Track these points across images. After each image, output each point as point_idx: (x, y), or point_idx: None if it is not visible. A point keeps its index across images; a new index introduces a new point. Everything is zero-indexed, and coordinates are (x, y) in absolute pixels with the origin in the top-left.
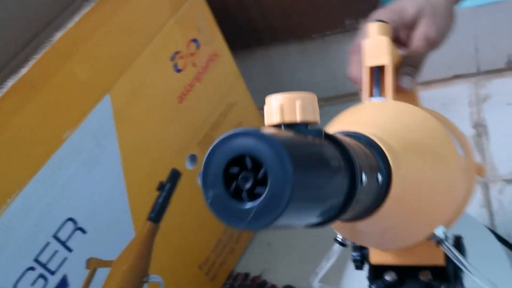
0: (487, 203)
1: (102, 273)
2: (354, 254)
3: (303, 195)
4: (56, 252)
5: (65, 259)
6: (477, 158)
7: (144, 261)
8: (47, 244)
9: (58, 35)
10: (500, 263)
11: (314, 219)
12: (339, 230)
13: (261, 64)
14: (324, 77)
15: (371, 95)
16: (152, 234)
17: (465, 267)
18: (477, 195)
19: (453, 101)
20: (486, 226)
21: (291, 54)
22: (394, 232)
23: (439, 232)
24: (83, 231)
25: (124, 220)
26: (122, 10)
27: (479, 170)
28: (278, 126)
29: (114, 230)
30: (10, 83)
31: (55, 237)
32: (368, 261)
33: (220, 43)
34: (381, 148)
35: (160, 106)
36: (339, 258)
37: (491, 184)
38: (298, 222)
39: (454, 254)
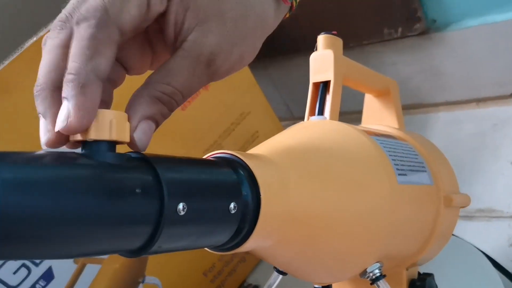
0: None
1: (92, 269)
2: (316, 286)
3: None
4: None
5: None
6: None
7: (139, 261)
8: None
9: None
10: None
11: (102, 247)
12: (267, 261)
13: (297, 73)
14: None
15: (312, 113)
16: None
17: None
18: (508, 232)
19: (506, 122)
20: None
21: None
22: (308, 265)
23: (372, 268)
24: None
25: None
26: None
27: (448, 201)
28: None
29: None
30: None
31: None
32: None
33: None
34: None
35: None
36: None
37: None
38: (66, 251)
39: None
